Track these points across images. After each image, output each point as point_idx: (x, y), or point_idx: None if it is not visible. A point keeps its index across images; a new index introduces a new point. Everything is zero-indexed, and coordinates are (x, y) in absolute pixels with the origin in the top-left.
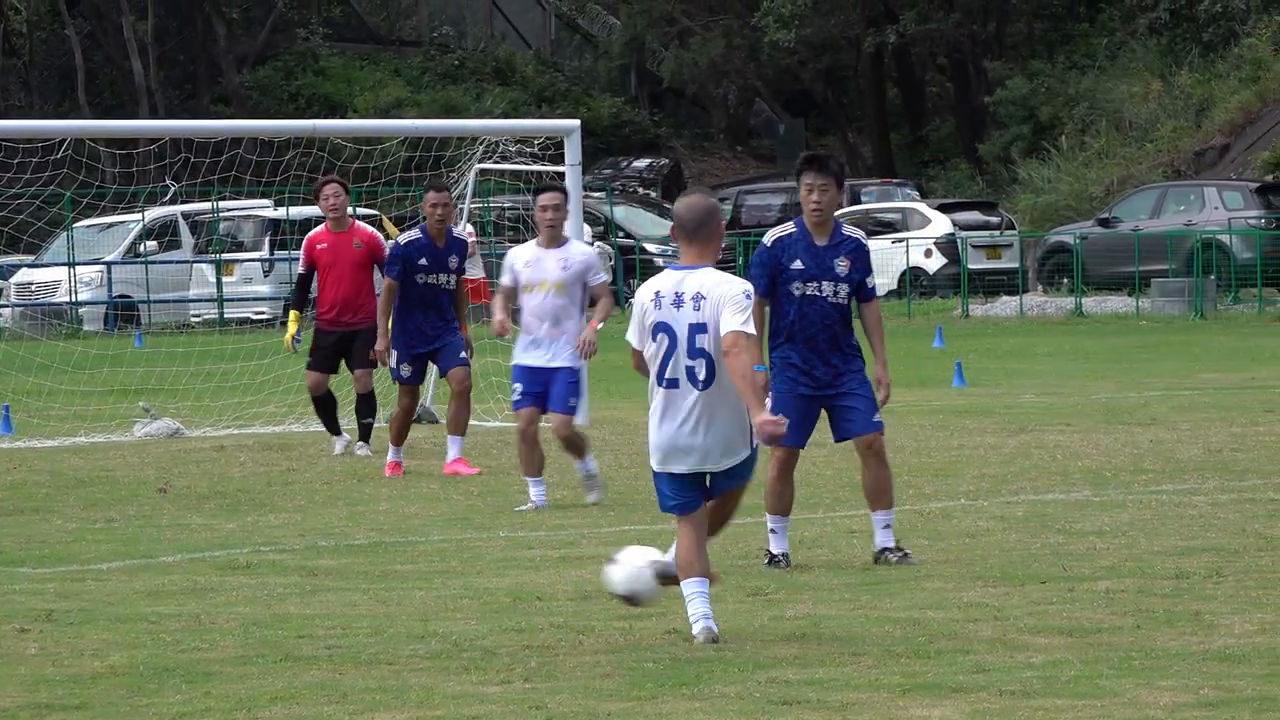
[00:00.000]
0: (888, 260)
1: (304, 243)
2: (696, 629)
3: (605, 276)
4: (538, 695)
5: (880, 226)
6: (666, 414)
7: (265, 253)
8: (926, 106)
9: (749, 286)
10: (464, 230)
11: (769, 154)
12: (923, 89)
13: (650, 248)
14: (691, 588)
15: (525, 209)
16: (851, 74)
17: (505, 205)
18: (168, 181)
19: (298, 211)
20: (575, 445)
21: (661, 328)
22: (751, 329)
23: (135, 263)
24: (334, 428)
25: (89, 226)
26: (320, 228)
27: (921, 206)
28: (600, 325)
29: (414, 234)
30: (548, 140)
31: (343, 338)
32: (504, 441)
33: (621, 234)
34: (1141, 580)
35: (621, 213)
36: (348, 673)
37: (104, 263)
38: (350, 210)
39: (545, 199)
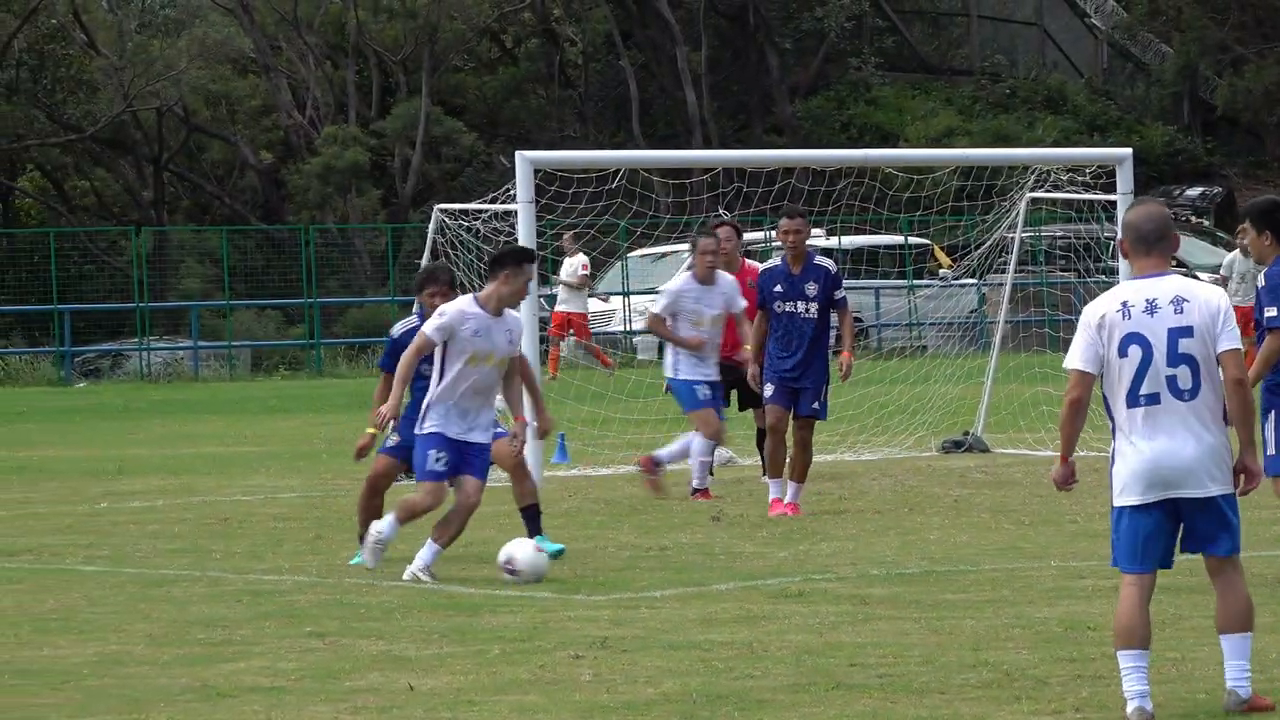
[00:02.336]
0: None
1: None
2: (1130, 709)
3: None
4: None
5: None
6: (1141, 434)
7: None
8: None
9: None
10: (577, 261)
11: None
12: None
13: (1202, 276)
14: (1129, 660)
15: (1076, 238)
16: None
17: (1056, 234)
18: (720, 211)
19: (849, 241)
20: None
21: (1133, 339)
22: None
23: None
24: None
25: (643, 256)
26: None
27: None
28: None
29: (774, 261)
30: (1099, 169)
31: (732, 372)
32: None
33: (1174, 263)
34: None
35: None
36: (899, 701)
37: (659, 292)
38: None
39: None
